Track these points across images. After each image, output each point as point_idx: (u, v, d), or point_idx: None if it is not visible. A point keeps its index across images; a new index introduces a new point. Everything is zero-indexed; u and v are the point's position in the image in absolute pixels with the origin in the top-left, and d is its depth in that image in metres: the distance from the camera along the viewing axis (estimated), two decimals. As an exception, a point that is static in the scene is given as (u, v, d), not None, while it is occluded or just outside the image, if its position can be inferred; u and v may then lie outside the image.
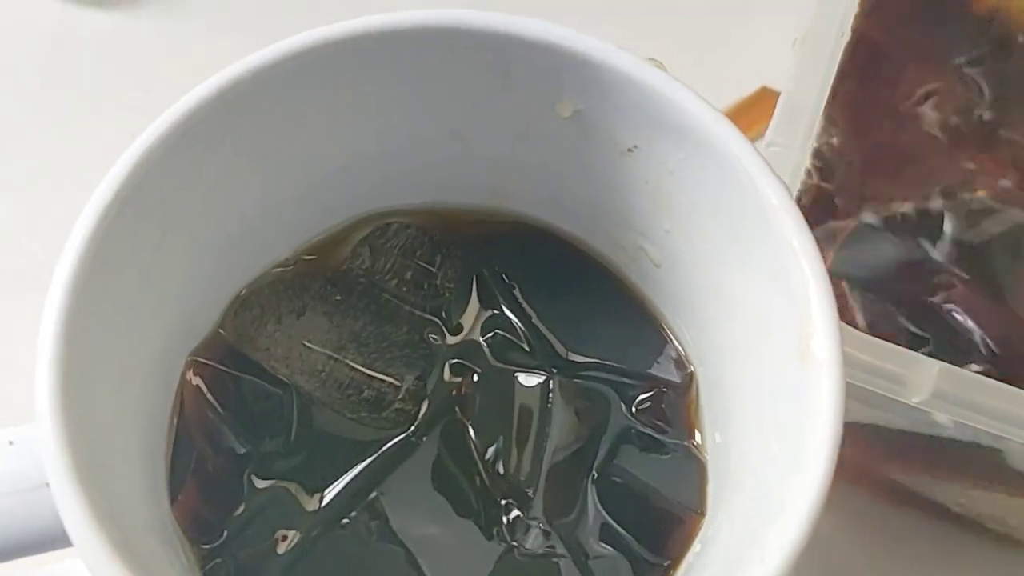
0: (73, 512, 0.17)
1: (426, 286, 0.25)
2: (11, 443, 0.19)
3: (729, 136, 0.21)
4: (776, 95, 0.40)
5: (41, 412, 0.18)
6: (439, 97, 0.23)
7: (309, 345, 0.23)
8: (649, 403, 0.24)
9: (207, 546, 0.21)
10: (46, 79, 0.40)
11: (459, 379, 0.24)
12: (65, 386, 0.18)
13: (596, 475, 0.23)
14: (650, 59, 0.22)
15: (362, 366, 0.23)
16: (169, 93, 0.20)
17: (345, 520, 0.22)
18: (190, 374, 0.22)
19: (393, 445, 0.23)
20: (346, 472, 0.22)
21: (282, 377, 0.23)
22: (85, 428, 0.18)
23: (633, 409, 0.24)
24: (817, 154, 0.25)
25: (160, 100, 0.20)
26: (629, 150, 0.23)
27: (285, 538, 0.22)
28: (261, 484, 0.22)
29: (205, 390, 0.22)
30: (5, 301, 0.34)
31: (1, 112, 0.39)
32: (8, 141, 0.39)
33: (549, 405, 0.23)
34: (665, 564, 0.22)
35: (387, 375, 0.23)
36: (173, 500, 0.22)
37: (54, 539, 0.19)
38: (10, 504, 0.19)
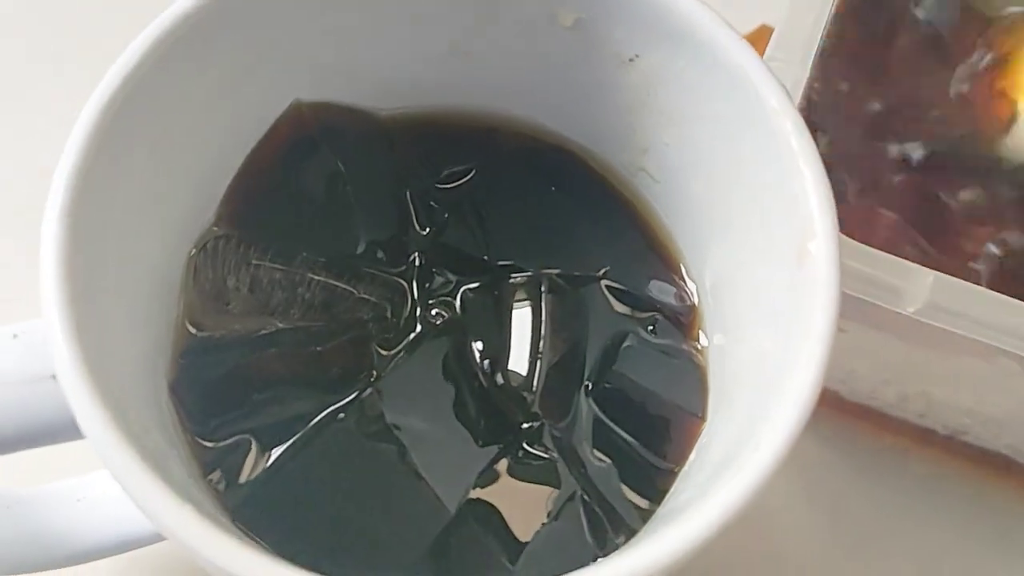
0: (83, 402, 0.17)
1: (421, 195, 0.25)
2: (15, 336, 0.19)
3: (730, 41, 0.21)
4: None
5: (47, 303, 0.18)
6: (438, 9, 0.23)
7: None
8: (649, 312, 0.24)
9: (206, 443, 0.22)
10: (42, 12, 0.40)
11: (451, 286, 0.24)
12: (71, 278, 0.18)
13: (594, 381, 0.23)
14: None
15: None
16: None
17: (341, 415, 0.22)
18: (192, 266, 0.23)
19: (391, 354, 0.23)
20: (345, 374, 0.22)
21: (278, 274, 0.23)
22: (90, 320, 0.18)
23: (632, 316, 0.24)
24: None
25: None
26: (630, 60, 0.23)
27: (280, 438, 0.22)
28: (260, 384, 0.22)
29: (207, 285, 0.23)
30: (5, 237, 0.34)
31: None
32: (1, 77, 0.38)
33: (542, 309, 0.23)
34: (668, 468, 0.22)
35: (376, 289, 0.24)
36: (174, 397, 0.22)
37: (59, 430, 0.19)
38: (15, 395, 0.19)
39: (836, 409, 0.32)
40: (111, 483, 0.17)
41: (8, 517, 0.25)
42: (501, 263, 0.24)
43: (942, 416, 0.31)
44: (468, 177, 0.25)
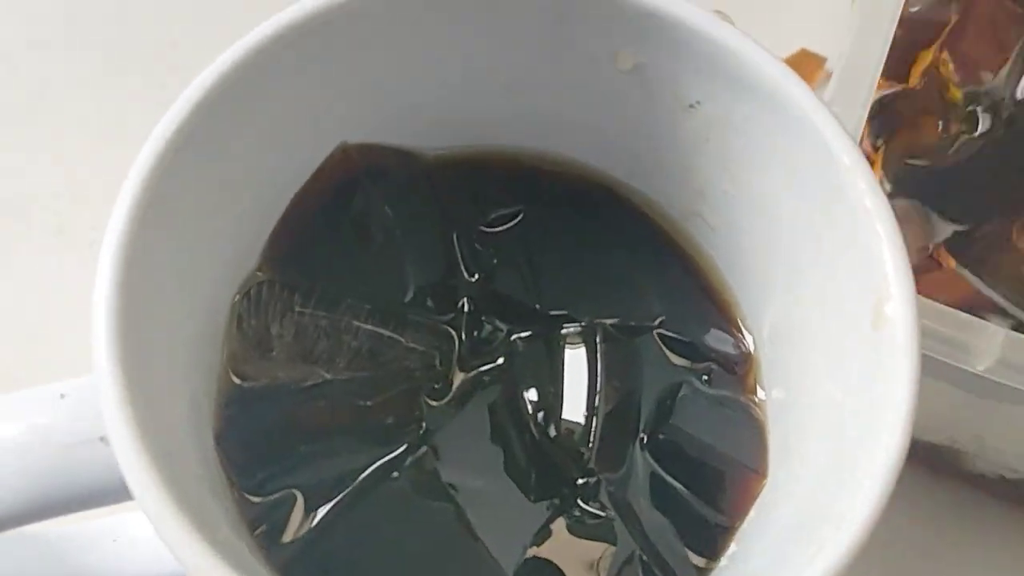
0: (135, 466, 0.17)
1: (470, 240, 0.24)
2: (63, 396, 0.18)
3: (799, 93, 0.20)
4: (815, 58, 0.40)
5: (99, 362, 0.17)
6: (491, 48, 0.23)
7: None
8: (704, 362, 0.23)
9: (253, 498, 0.21)
10: (75, 34, 0.39)
11: (502, 335, 0.23)
12: (123, 335, 0.18)
13: (649, 433, 0.22)
14: (716, 11, 0.21)
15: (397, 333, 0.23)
16: (197, 45, 0.20)
17: (394, 473, 0.21)
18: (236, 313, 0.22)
19: (439, 405, 0.23)
20: (394, 426, 0.22)
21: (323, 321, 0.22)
22: (142, 379, 0.18)
23: (687, 366, 0.23)
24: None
25: (187, 54, 0.20)
26: (691, 106, 0.22)
27: (327, 494, 0.21)
28: (306, 436, 0.22)
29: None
30: (48, 260, 0.34)
31: (31, 68, 0.38)
32: (37, 99, 0.38)
33: (598, 360, 0.22)
34: (724, 525, 0.21)
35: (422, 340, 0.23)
36: (219, 449, 0.21)
37: (107, 494, 0.18)
38: (61, 458, 0.18)
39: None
40: (145, 522, 0.17)
41: (44, 556, 0.24)
42: (553, 312, 0.24)
43: (993, 460, 0.30)
44: (517, 220, 0.25)
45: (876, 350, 0.19)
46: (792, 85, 0.20)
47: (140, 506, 0.17)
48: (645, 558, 0.21)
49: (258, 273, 0.23)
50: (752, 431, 0.23)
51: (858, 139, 0.24)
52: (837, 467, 0.18)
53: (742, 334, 0.24)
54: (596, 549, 0.22)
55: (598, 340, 0.23)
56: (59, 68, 0.39)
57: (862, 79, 0.24)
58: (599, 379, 0.22)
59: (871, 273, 0.19)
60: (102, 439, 0.18)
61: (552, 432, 0.22)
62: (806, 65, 0.40)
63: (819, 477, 0.19)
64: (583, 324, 0.23)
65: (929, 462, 0.31)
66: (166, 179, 0.19)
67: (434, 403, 0.23)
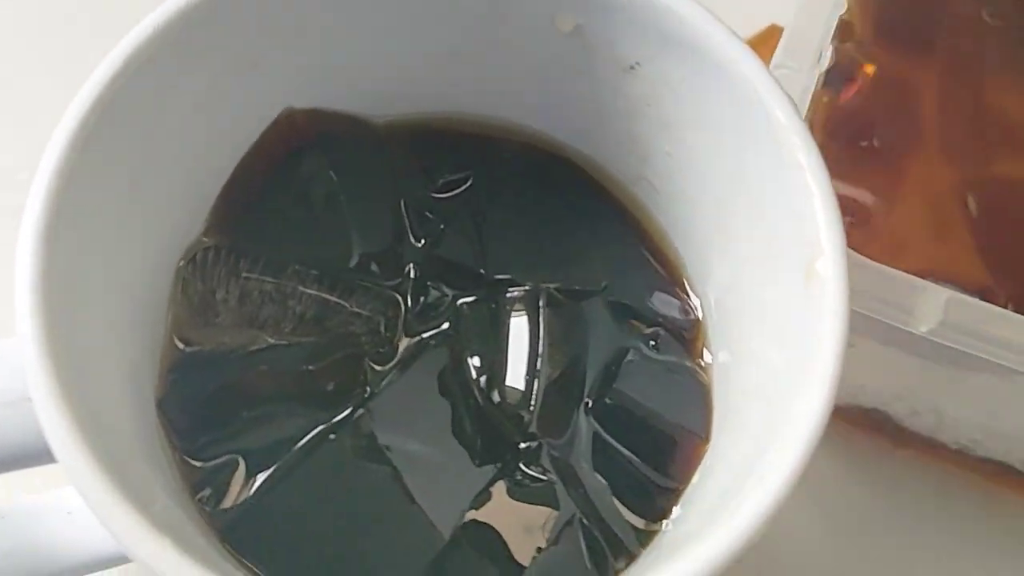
0: (56, 427, 0.17)
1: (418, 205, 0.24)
2: (-8, 355, 0.18)
3: (737, 52, 0.20)
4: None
5: (23, 323, 0.17)
6: (437, 13, 0.22)
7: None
8: (651, 327, 0.23)
9: (195, 462, 0.21)
10: (43, 13, 0.39)
11: (448, 300, 0.23)
12: (47, 296, 0.17)
13: (594, 398, 0.22)
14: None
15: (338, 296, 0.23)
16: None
17: (332, 435, 0.21)
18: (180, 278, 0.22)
19: (384, 370, 0.23)
20: (337, 391, 0.22)
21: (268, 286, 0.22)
22: (69, 340, 0.18)
23: (634, 331, 0.23)
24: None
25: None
26: (631, 67, 0.22)
27: (270, 459, 0.21)
28: (250, 402, 0.22)
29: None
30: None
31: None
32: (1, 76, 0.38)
33: (540, 324, 0.22)
34: (670, 488, 0.21)
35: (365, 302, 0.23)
36: (161, 414, 0.21)
37: (36, 454, 0.18)
38: (-9, 417, 0.18)
39: (845, 421, 0.31)
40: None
41: (-2, 529, 0.24)
42: (498, 276, 0.23)
43: (953, 431, 0.30)
44: (465, 186, 0.24)
45: (807, 308, 0.18)
46: (728, 43, 0.20)
47: (62, 467, 0.17)
48: (586, 521, 0.21)
49: (204, 239, 0.23)
50: (698, 396, 0.23)
51: (805, 106, 0.24)
52: (768, 427, 0.18)
53: (689, 298, 0.24)
54: (537, 513, 0.21)
55: (541, 304, 0.23)
56: (24, 45, 0.38)
57: (810, 41, 0.24)
58: (540, 343, 0.22)
59: (803, 229, 0.19)
60: (29, 399, 0.18)
61: (495, 397, 0.22)
62: (775, 40, 0.40)
63: (753, 438, 0.19)
64: (527, 288, 0.23)
65: (889, 434, 0.31)
66: (96, 138, 0.19)
67: (378, 368, 0.23)
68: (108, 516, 0.16)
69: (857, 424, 0.31)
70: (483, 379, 0.22)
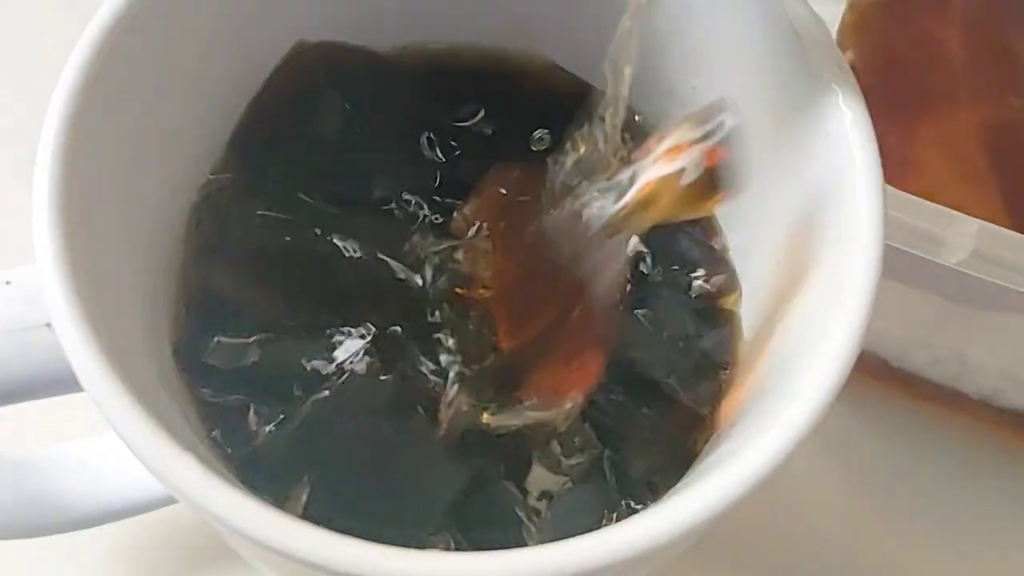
0: (80, 351, 0.16)
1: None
2: (8, 283, 0.18)
3: (763, -27, 0.19)
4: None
5: (41, 248, 0.17)
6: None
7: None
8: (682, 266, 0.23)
9: (211, 399, 0.21)
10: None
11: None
12: (66, 222, 0.17)
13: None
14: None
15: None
16: None
17: (351, 370, 0.21)
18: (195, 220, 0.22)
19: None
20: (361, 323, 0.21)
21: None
22: (88, 265, 0.17)
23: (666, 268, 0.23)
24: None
25: None
26: (650, -1, 0.21)
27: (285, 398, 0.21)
28: (266, 337, 0.21)
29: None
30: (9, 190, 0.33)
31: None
32: (4, 34, 0.37)
33: None
34: (701, 415, 0.21)
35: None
36: (177, 348, 0.21)
37: (55, 382, 0.18)
38: (7, 344, 0.18)
39: (863, 372, 0.31)
40: (117, 445, 0.16)
41: (12, 481, 0.24)
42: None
43: (975, 379, 0.30)
44: (482, 115, 0.24)
45: (839, 235, 0.18)
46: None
47: (88, 393, 0.17)
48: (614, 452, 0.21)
49: (219, 175, 0.23)
50: (725, 327, 0.22)
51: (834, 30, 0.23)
52: (797, 359, 0.18)
53: (719, 235, 0.23)
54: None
55: None
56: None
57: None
58: None
59: (837, 152, 0.18)
60: (48, 326, 0.17)
61: None
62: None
63: (783, 368, 0.19)
64: None
65: (909, 386, 0.30)
66: (109, 64, 0.18)
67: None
68: (135, 437, 0.16)
69: (876, 375, 0.31)
70: None
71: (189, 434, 0.19)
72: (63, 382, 0.18)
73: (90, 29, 0.18)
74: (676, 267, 0.22)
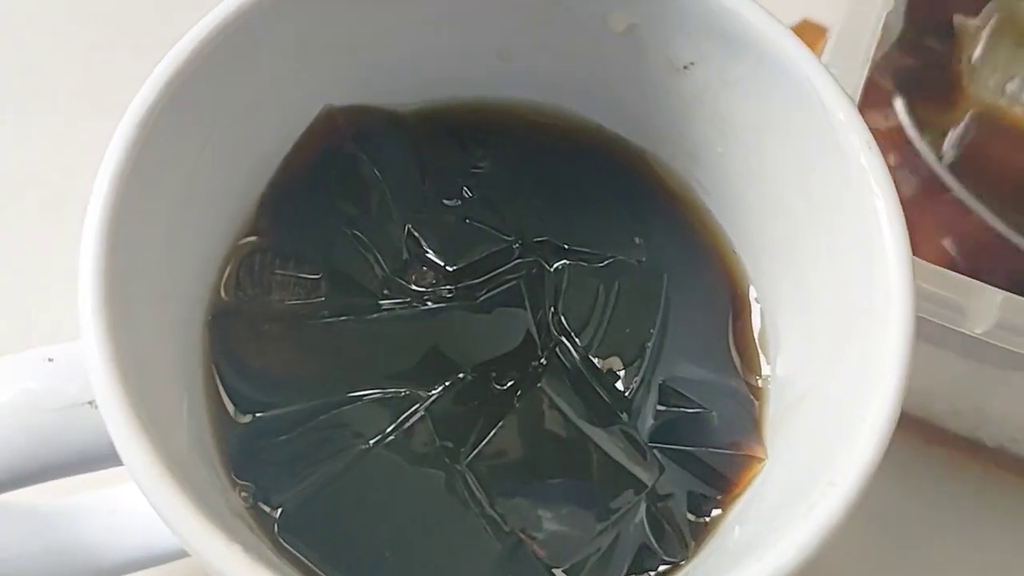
0: (122, 428, 0.17)
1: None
2: (50, 360, 0.18)
3: (795, 50, 0.20)
4: (817, 27, 0.39)
5: (85, 325, 0.17)
6: (481, 11, 0.22)
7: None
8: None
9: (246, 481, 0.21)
10: (69, 9, 0.39)
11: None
12: (110, 299, 0.17)
13: (661, 381, 0.22)
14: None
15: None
16: (189, 19, 0.20)
17: (391, 437, 0.21)
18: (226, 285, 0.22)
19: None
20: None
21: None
22: (129, 343, 0.17)
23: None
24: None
25: (180, 29, 0.20)
26: (685, 67, 0.22)
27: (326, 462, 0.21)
28: (304, 416, 0.21)
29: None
30: (33, 233, 0.34)
31: (24, 43, 0.38)
32: (30, 74, 0.38)
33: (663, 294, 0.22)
34: (717, 498, 0.21)
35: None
36: (214, 424, 0.21)
37: (96, 459, 0.18)
38: (50, 422, 0.18)
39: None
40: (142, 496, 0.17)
41: (40, 529, 0.24)
42: (576, 248, 0.23)
43: (994, 430, 0.30)
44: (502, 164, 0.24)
45: (871, 317, 0.18)
46: (786, 42, 0.20)
47: (128, 470, 0.17)
48: (653, 509, 0.21)
49: (250, 239, 0.23)
50: (748, 405, 0.22)
51: (857, 99, 0.24)
52: (833, 437, 0.18)
53: (741, 294, 0.23)
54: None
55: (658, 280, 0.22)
56: (52, 42, 0.38)
57: (860, 37, 0.24)
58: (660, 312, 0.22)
59: (867, 233, 0.19)
60: (91, 403, 0.18)
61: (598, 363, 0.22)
62: (808, 35, 0.39)
63: (816, 448, 0.19)
64: (615, 257, 0.23)
65: (924, 431, 0.31)
66: (151, 144, 0.19)
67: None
68: (174, 517, 0.16)
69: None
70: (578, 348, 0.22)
71: (223, 506, 0.19)
72: (105, 459, 0.18)
73: (131, 109, 0.18)
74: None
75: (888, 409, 0.17)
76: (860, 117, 0.19)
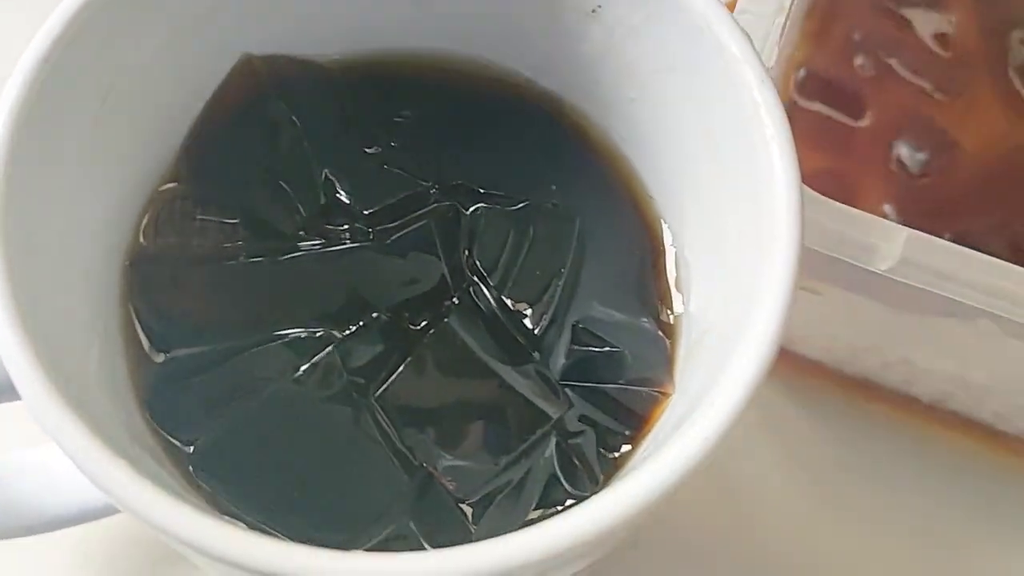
0: (16, 358, 0.17)
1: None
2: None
3: (693, -10, 0.20)
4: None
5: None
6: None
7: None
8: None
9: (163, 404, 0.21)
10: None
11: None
12: (5, 234, 0.18)
13: (576, 320, 0.22)
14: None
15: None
16: None
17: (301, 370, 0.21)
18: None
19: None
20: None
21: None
22: (28, 277, 0.18)
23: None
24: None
25: None
26: (593, 10, 0.22)
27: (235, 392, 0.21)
28: (219, 356, 0.22)
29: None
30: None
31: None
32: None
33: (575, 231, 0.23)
34: (627, 434, 0.21)
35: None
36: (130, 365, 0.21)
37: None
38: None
39: (818, 376, 0.31)
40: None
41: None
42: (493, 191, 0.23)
43: (925, 383, 0.30)
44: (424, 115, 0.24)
45: (759, 246, 0.19)
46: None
47: (25, 402, 0.17)
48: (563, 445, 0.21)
49: (169, 185, 0.23)
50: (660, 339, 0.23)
51: (773, 56, 0.24)
52: (719, 360, 0.18)
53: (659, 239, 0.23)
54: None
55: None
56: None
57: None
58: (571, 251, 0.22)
59: (759, 165, 0.19)
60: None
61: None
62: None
63: (707, 373, 0.19)
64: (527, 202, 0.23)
65: (862, 388, 0.31)
66: (55, 78, 0.19)
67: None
68: (73, 447, 0.17)
69: (829, 378, 0.31)
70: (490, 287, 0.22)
71: (136, 445, 0.20)
72: (5, 392, 0.18)
73: (32, 45, 0.19)
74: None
75: (769, 332, 0.17)
76: (755, 52, 0.20)
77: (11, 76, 0.18)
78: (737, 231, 0.20)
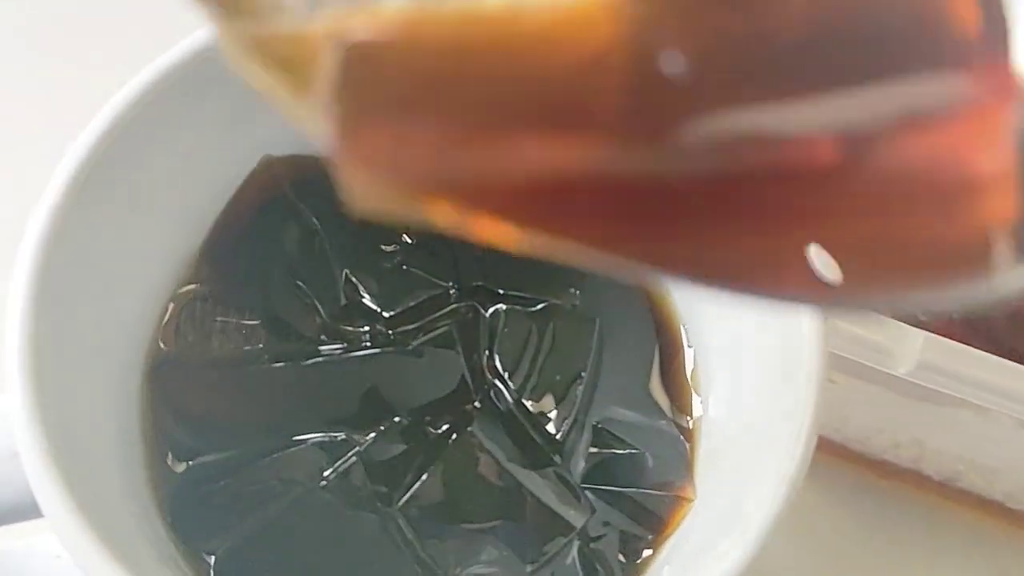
0: (43, 481, 0.17)
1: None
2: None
3: None
4: None
5: (11, 380, 0.18)
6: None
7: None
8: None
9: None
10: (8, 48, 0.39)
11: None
12: (36, 355, 0.18)
13: (595, 423, 0.22)
14: None
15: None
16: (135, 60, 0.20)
17: (324, 482, 0.21)
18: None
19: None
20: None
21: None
22: (56, 395, 0.18)
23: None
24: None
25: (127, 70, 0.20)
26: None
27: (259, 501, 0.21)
28: (240, 462, 0.22)
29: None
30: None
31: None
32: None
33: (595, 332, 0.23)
34: (649, 538, 0.21)
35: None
36: (151, 472, 0.21)
37: (25, 510, 0.18)
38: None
39: (829, 453, 0.31)
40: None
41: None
42: (512, 292, 0.23)
43: (935, 463, 0.30)
44: None
45: (784, 355, 0.19)
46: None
47: (48, 520, 0.17)
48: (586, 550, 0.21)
49: (189, 287, 0.23)
50: (681, 446, 0.23)
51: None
52: (746, 477, 0.19)
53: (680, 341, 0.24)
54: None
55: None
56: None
57: None
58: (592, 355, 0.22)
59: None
60: (18, 455, 0.18)
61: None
62: None
63: (733, 487, 0.19)
64: (548, 301, 0.23)
65: (873, 465, 0.31)
66: (85, 193, 0.19)
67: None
68: (90, 567, 0.17)
69: (841, 455, 0.31)
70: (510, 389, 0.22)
71: (155, 556, 0.20)
72: (31, 510, 0.18)
73: (64, 163, 0.19)
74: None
75: (797, 456, 0.17)
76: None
77: (50, 182, 0.19)
78: (756, 336, 0.21)
